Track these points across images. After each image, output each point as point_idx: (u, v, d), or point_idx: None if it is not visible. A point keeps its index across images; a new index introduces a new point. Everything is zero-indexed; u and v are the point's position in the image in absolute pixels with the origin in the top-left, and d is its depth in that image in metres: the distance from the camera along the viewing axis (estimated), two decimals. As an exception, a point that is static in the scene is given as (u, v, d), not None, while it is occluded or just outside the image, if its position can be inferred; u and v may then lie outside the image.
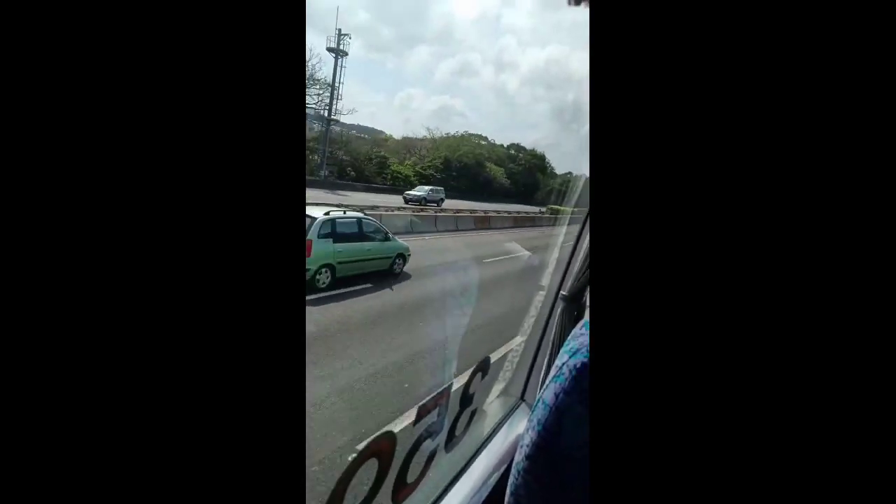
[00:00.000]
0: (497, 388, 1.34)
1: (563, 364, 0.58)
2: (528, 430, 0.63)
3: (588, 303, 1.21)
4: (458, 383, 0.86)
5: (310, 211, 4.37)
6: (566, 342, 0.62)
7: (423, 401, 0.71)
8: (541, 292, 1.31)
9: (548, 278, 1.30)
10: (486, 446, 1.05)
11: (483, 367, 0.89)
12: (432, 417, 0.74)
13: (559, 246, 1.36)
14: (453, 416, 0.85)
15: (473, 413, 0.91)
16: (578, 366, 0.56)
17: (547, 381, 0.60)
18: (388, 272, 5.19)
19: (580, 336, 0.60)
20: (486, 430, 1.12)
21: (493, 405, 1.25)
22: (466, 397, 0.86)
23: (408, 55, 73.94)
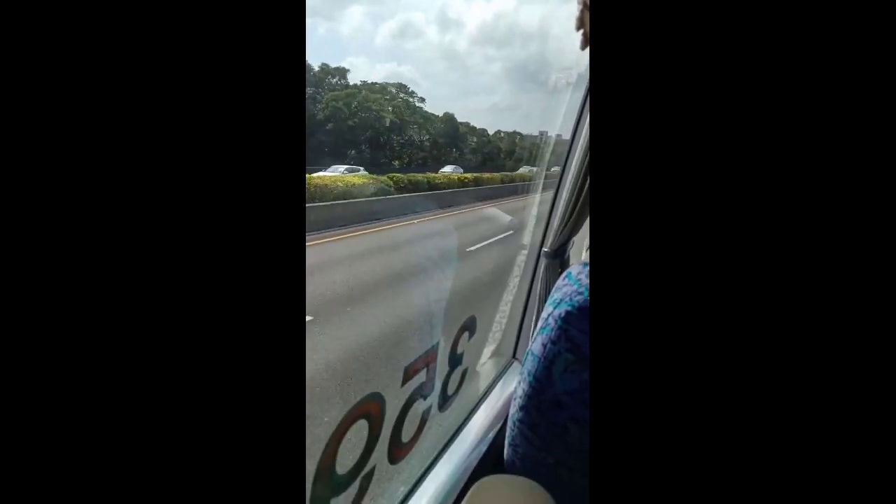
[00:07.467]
0: (488, 349, 1.36)
1: (549, 315, 0.59)
2: (519, 382, 0.64)
3: (570, 257, 1.22)
4: (445, 343, 0.87)
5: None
6: (550, 295, 0.62)
7: (409, 361, 0.72)
8: (523, 251, 1.32)
9: (528, 236, 1.31)
10: (481, 405, 1.07)
11: (469, 326, 0.90)
12: (420, 378, 0.75)
13: (537, 204, 1.37)
14: (444, 377, 0.86)
15: (465, 372, 0.93)
16: (563, 314, 0.56)
17: (534, 334, 0.61)
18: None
19: (563, 287, 0.61)
20: (481, 389, 1.14)
21: (486, 366, 1.27)
22: (455, 357, 0.87)
23: (340, 17, 66.99)
